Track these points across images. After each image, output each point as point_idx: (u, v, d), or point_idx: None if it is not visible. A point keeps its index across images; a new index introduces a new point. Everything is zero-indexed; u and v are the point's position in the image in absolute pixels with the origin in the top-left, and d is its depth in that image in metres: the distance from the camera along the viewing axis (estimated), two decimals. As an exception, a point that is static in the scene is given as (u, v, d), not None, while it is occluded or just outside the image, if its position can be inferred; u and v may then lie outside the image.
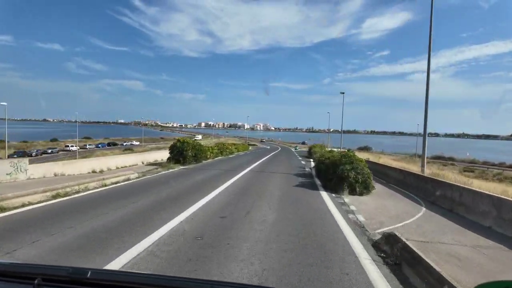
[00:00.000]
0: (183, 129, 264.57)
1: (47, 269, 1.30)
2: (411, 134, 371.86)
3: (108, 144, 64.33)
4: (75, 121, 63.69)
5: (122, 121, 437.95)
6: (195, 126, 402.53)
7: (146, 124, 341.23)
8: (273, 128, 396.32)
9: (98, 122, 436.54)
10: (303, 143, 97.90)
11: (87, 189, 9.53)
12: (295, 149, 54.42)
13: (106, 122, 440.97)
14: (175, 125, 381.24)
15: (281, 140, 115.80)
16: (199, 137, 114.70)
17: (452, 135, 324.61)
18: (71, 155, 45.18)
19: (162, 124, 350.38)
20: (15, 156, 38.51)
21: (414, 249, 4.20)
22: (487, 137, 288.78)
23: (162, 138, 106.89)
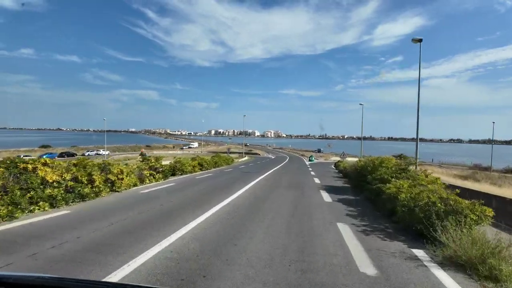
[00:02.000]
0: (191, 137, 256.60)
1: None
2: (432, 140, 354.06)
3: (62, 155, 51.78)
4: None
5: (133, 129, 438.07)
6: (205, 133, 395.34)
7: (154, 132, 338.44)
8: (285, 135, 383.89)
9: (109, 130, 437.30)
10: (319, 151, 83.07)
11: None
12: (310, 160, 38.83)
13: (117, 131, 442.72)
14: (183, 132, 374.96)
15: (291, 147, 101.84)
16: (195, 144, 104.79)
17: (477, 141, 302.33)
18: None
19: (170, 132, 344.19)
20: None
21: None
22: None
23: (147, 146, 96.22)
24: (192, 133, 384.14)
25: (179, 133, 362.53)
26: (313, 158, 39.01)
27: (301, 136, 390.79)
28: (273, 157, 50.10)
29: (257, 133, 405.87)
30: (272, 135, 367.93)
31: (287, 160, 40.34)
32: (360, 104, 33.24)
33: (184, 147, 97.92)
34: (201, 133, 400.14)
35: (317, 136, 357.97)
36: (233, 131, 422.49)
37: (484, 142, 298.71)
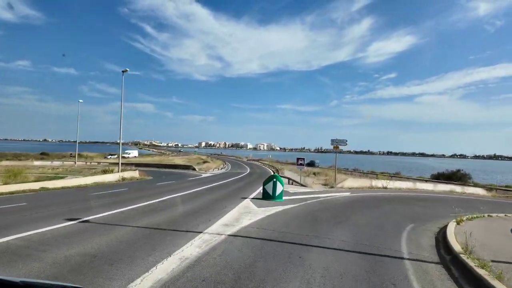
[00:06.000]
0: (171, 148, 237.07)
1: None
2: (433, 155, 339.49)
3: None
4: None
5: (122, 141, 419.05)
6: (195, 146, 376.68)
7: (138, 143, 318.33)
8: (278, 148, 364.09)
9: (96, 142, 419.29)
10: (311, 164, 63.96)
11: None
12: (271, 192, 12.73)
13: (104, 142, 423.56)
14: (170, 144, 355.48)
15: (271, 158, 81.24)
16: (133, 153, 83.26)
17: (482, 157, 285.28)
18: None
19: (155, 143, 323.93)
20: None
21: None
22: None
23: (79, 154, 75.37)
24: (180, 145, 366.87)
25: (164, 144, 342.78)
26: (277, 186, 12.25)
27: (296, 149, 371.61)
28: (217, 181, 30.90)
29: (250, 146, 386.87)
30: (265, 148, 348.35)
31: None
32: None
33: (110, 157, 75.01)
34: (192, 145, 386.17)
35: (313, 150, 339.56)
36: (225, 143, 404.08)
37: (490, 157, 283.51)
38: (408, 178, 37.95)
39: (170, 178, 27.17)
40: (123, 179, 22.17)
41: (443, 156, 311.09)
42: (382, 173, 46.76)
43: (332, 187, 19.63)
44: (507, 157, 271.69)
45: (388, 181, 21.50)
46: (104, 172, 24.94)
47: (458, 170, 45.59)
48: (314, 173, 36.43)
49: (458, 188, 24.28)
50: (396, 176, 40.86)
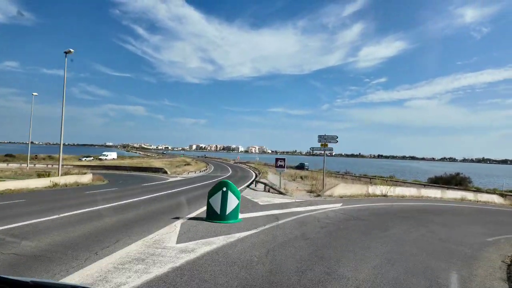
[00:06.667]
0: (161, 151, 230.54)
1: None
2: (423, 159, 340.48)
3: None
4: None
5: (110, 143, 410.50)
6: (186, 148, 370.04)
7: (127, 146, 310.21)
8: (270, 151, 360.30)
9: (84, 144, 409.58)
10: (300, 167, 59.90)
11: None
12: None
13: (93, 145, 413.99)
14: (160, 147, 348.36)
15: (258, 161, 75.87)
16: (111, 155, 77.93)
17: (471, 160, 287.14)
18: None
19: (145, 146, 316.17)
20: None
21: None
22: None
23: (50, 156, 69.59)
24: (170, 148, 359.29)
25: (155, 147, 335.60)
26: (229, 199, 7.76)
27: (287, 152, 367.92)
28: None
29: (241, 149, 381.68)
30: (257, 151, 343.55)
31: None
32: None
33: (85, 159, 69.19)
34: (182, 148, 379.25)
35: (304, 153, 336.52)
36: (216, 146, 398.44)
37: (479, 161, 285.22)
38: (412, 184, 34.06)
39: (126, 183, 22.56)
40: (55, 184, 17.31)
41: (433, 159, 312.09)
42: (376, 176, 42.77)
43: (318, 195, 15.29)
44: (495, 161, 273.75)
45: (388, 187, 17.29)
46: (39, 176, 20.14)
47: (457, 174, 41.93)
48: (302, 177, 32.08)
49: (470, 195, 20.29)
50: (392, 180, 36.86)
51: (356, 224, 8.70)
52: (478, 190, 24.95)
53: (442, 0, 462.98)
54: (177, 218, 8.11)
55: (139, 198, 12.68)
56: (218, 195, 7.70)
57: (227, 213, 7.64)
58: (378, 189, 17.14)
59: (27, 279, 1.22)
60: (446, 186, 34.36)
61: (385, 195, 16.81)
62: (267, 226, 7.51)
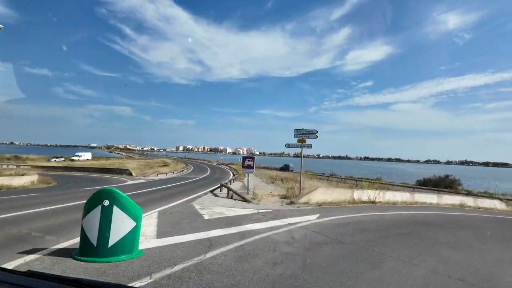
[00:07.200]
0: (147, 152, 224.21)
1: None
2: (408, 161, 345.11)
3: None
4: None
5: (95, 144, 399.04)
6: (173, 150, 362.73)
7: (111, 147, 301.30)
8: (258, 153, 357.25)
9: (67, 145, 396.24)
10: (285, 168, 57.72)
11: None
12: None
13: (77, 146, 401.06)
14: (146, 148, 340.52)
15: (240, 162, 73.89)
16: (85, 156, 73.93)
17: (455, 162, 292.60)
18: None
19: (129, 147, 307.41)
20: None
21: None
22: (495, 164, 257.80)
23: (17, 156, 65.15)
24: (156, 149, 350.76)
25: (140, 148, 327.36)
26: (116, 218, 4.50)
27: (275, 154, 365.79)
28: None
29: (229, 150, 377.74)
30: (245, 152, 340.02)
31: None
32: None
33: (54, 160, 65.26)
34: (169, 149, 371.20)
35: (292, 155, 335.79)
36: (203, 147, 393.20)
37: (462, 163, 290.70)
38: (401, 186, 31.72)
39: (71, 186, 19.29)
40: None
41: (418, 161, 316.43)
42: (362, 179, 40.28)
43: (292, 202, 12.25)
44: (477, 163, 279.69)
45: (377, 192, 14.46)
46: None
47: (447, 176, 39.96)
48: (282, 180, 29.04)
49: (469, 201, 17.72)
50: (379, 182, 34.36)
51: (332, 254, 5.65)
52: (478, 195, 22.61)
53: (426, 6, 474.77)
54: (35, 250, 4.85)
55: (40, 209, 9.29)
56: (96, 212, 4.48)
57: (109, 244, 4.41)
58: (365, 194, 14.29)
59: (83, 277, 1.13)
60: (437, 189, 32.10)
61: (373, 202, 13.97)
62: (176, 268, 4.34)
